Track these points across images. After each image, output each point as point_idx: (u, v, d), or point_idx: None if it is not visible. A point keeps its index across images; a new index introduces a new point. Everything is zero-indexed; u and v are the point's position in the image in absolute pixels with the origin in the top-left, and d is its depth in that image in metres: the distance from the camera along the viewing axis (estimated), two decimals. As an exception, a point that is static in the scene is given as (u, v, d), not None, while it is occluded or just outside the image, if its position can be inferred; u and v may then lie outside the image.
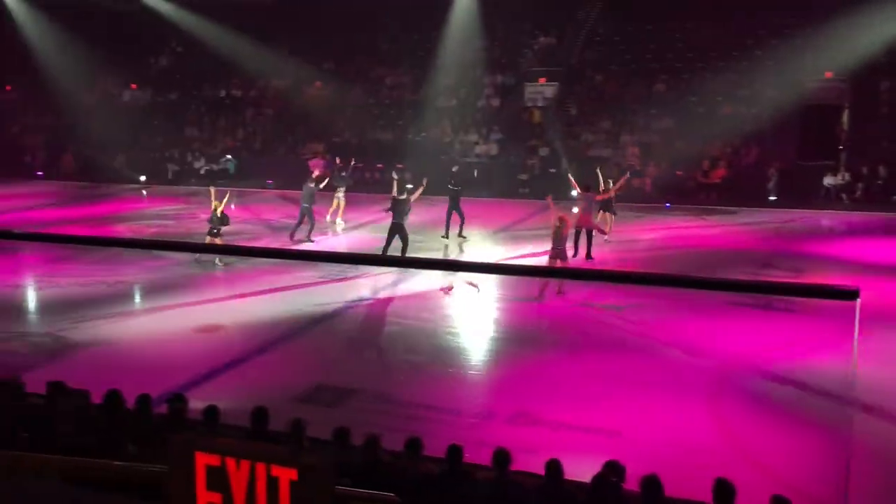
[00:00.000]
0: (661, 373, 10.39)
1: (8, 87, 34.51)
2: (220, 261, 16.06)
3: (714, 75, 26.69)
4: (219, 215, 15.84)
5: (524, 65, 29.97)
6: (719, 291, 12.45)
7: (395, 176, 17.08)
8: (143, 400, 7.06)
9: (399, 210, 15.81)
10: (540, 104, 28.49)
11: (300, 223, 17.66)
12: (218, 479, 2.21)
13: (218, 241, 15.56)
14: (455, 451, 6.07)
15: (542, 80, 28.80)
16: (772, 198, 23.02)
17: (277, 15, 32.36)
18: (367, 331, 12.55)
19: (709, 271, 14.99)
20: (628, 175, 18.59)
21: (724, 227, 20.42)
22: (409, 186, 17.82)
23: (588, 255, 15.94)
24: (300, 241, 17.53)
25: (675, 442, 8.41)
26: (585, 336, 11.90)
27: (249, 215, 20.20)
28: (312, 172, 20.10)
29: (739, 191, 23.43)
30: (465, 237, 18.42)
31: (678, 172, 24.66)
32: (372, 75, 31.45)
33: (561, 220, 13.35)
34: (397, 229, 15.71)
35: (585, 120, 27.49)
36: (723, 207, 22.46)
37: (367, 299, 14.17)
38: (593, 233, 16.09)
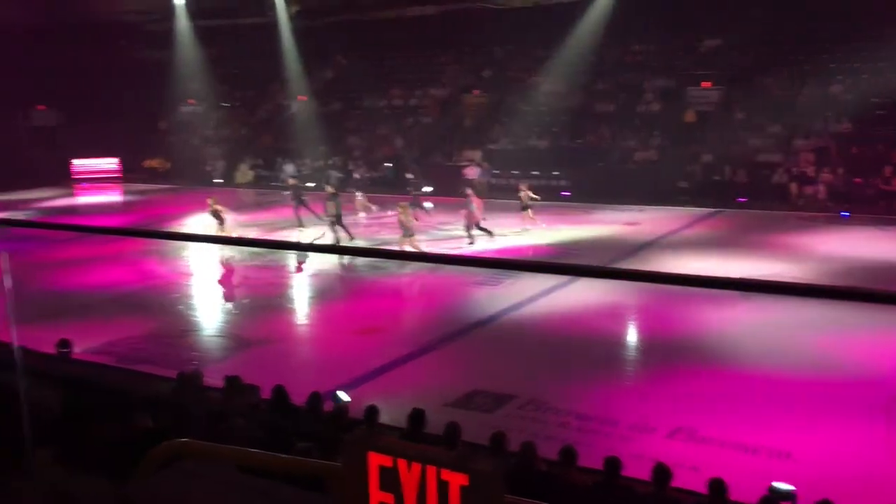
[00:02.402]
0: (836, 392, 9.75)
1: (191, 101, 37.13)
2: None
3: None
4: (215, 209, 19.43)
5: (687, 68, 29.04)
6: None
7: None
8: (314, 398, 7.39)
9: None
10: (703, 108, 27.49)
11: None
12: (390, 480, 2.28)
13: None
14: (613, 463, 5.96)
15: (707, 84, 27.77)
16: (965, 207, 21.02)
17: (438, 26, 33.08)
18: (523, 337, 12.53)
19: (888, 285, 13.90)
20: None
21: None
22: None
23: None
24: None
25: (850, 468, 7.87)
26: (752, 350, 11.35)
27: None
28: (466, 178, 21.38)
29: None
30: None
31: (856, 180, 23.04)
32: (529, 82, 31.47)
33: (402, 207, 17.39)
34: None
35: (753, 125, 26.25)
36: (907, 217, 20.77)
37: (523, 305, 14.17)
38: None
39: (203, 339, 13.21)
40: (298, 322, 14.51)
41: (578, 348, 11.89)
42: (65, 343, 9.47)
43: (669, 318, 13.00)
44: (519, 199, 20.46)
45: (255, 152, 33.79)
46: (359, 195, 23.59)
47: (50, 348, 9.39)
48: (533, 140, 29.32)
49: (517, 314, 13.74)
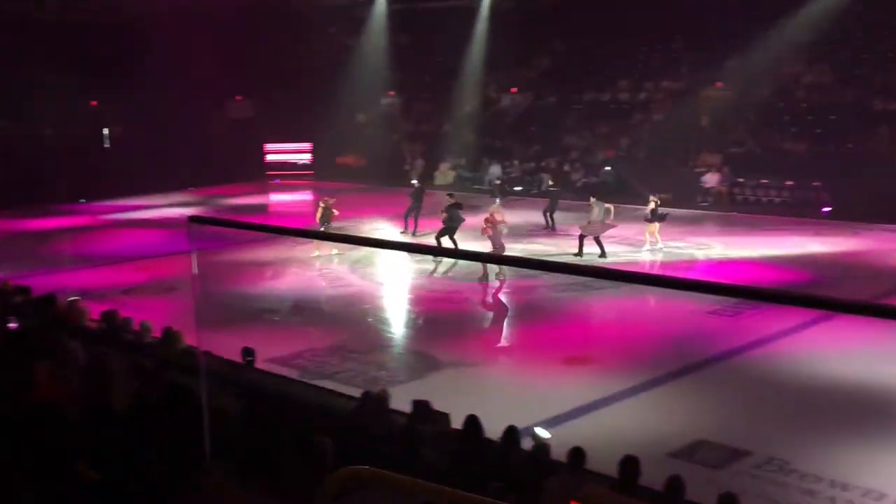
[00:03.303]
0: None
1: (390, 93, 38.51)
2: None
3: None
4: (330, 213, 20.27)
5: None
6: None
7: None
8: (510, 432, 7.43)
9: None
10: None
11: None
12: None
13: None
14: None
15: None
16: None
17: (672, 6, 32.15)
18: (765, 380, 11.90)
19: None
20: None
21: None
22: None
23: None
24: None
25: None
26: None
27: (630, 233, 20.65)
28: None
29: None
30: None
31: None
32: (785, 72, 29.95)
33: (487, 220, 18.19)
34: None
35: None
36: None
37: (766, 341, 13.47)
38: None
39: (390, 357, 13.69)
40: (496, 344, 14.67)
41: (835, 400, 11.14)
42: (249, 352, 10.19)
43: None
44: (649, 212, 20.38)
45: (457, 151, 34.54)
46: (496, 203, 23.30)
47: (234, 354, 10.12)
48: (788, 143, 27.92)
49: (758, 352, 13.11)
